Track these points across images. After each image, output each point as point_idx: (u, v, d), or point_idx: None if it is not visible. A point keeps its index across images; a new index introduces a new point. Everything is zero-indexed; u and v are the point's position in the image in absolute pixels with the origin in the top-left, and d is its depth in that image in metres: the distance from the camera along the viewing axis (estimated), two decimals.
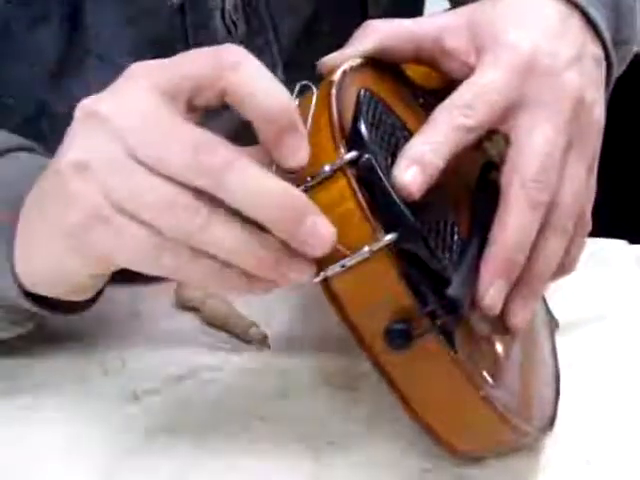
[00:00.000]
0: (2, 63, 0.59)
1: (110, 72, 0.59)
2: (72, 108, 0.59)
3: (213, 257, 0.44)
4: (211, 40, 0.62)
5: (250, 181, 0.43)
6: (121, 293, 0.64)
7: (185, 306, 0.64)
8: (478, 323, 0.51)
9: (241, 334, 0.61)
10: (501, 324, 0.52)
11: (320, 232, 0.45)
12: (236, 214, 0.44)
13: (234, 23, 0.63)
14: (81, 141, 0.46)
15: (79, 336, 0.61)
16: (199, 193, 0.44)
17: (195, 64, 0.46)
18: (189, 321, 0.63)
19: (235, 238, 0.44)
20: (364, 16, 0.68)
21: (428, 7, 0.75)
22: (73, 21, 0.59)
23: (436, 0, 0.74)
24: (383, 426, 0.54)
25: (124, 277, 0.51)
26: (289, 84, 0.63)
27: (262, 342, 0.60)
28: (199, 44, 0.62)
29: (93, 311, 0.63)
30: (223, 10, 0.62)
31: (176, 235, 0.44)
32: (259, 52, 0.63)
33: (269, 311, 0.63)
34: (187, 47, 0.61)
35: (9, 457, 0.53)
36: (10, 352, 0.59)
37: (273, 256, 0.45)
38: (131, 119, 0.44)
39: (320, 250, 0.45)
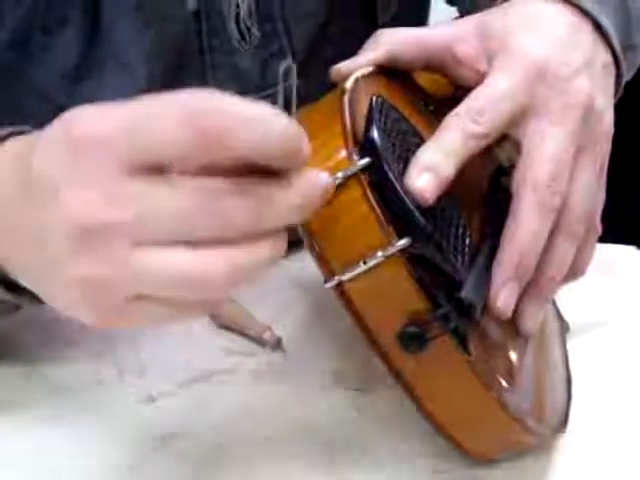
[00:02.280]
0: (21, 67, 0.60)
1: (126, 76, 0.60)
2: None
3: None
4: (226, 45, 0.63)
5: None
6: None
7: None
8: (492, 330, 0.51)
9: (256, 337, 0.61)
10: (514, 329, 0.53)
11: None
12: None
13: (248, 29, 0.63)
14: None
15: (95, 339, 0.61)
16: None
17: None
18: (204, 324, 0.63)
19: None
20: (373, 22, 0.68)
21: (432, 15, 0.75)
22: (91, 26, 0.59)
23: (440, 7, 0.74)
24: (397, 427, 0.54)
25: None
26: (302, 89, 0.64)
27: (276, 345, 0.61)
28: (213, 49, 0.62)
29: None
30: (238, 16, 0.63)
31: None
32: (273, 58, 0.64)
33: (283, 314, 0.63)
34: (202, 52, 0.62)
35: (28, 460, 0.53)
36: (26, 355, 0.60)
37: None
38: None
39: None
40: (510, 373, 0.51)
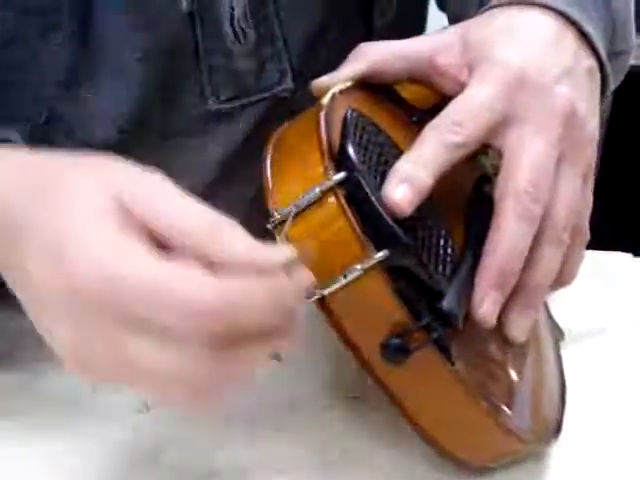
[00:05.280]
0: (14, 71, 0.60)
1: (121, 80, 0.61)
2: (83, 113, 0.60)
3: None
4: (221, 48, 0.63)
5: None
6: None
7: None
8: (491, 347, 0.51)
9: None
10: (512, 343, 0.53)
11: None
12: None
13: (243, 31, 0.63)
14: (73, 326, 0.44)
15: None
16: None
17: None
18: None
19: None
20: (370, 27, 0.69)
21: (430, 21, 0.75)
22: (84, 28, 0.59)
23: (437, 14, 0.74)
24: (394, 436, 0.54)
25: None
26: (297, 92, 0.64)
27: (274, 356, 0.61)
28: (209, 51, 0.62)
29: None
30: (232, 17, 0.63)
31: None
32: (269, 60, 0.64)
33: None
34: (197, 55, 0.62)
35: (20, 468, 0.54)
36: (24, 364, 0.61)
37: None
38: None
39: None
40: (509, 391, 0.51)
